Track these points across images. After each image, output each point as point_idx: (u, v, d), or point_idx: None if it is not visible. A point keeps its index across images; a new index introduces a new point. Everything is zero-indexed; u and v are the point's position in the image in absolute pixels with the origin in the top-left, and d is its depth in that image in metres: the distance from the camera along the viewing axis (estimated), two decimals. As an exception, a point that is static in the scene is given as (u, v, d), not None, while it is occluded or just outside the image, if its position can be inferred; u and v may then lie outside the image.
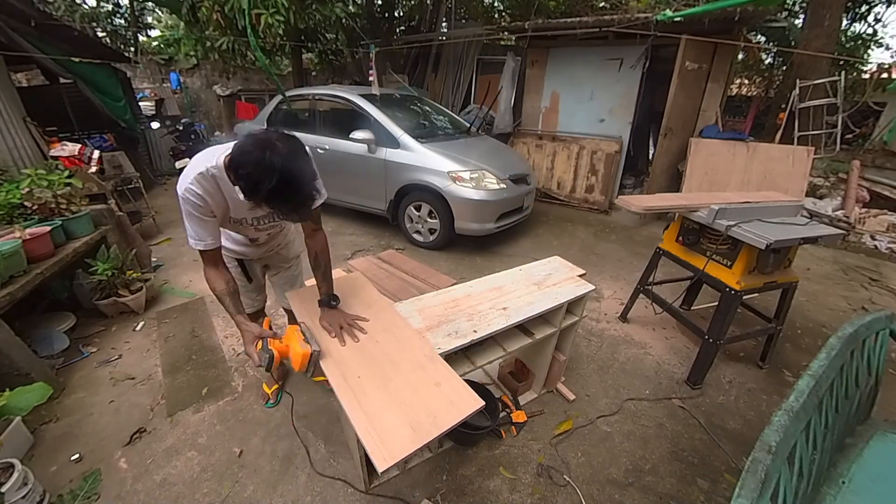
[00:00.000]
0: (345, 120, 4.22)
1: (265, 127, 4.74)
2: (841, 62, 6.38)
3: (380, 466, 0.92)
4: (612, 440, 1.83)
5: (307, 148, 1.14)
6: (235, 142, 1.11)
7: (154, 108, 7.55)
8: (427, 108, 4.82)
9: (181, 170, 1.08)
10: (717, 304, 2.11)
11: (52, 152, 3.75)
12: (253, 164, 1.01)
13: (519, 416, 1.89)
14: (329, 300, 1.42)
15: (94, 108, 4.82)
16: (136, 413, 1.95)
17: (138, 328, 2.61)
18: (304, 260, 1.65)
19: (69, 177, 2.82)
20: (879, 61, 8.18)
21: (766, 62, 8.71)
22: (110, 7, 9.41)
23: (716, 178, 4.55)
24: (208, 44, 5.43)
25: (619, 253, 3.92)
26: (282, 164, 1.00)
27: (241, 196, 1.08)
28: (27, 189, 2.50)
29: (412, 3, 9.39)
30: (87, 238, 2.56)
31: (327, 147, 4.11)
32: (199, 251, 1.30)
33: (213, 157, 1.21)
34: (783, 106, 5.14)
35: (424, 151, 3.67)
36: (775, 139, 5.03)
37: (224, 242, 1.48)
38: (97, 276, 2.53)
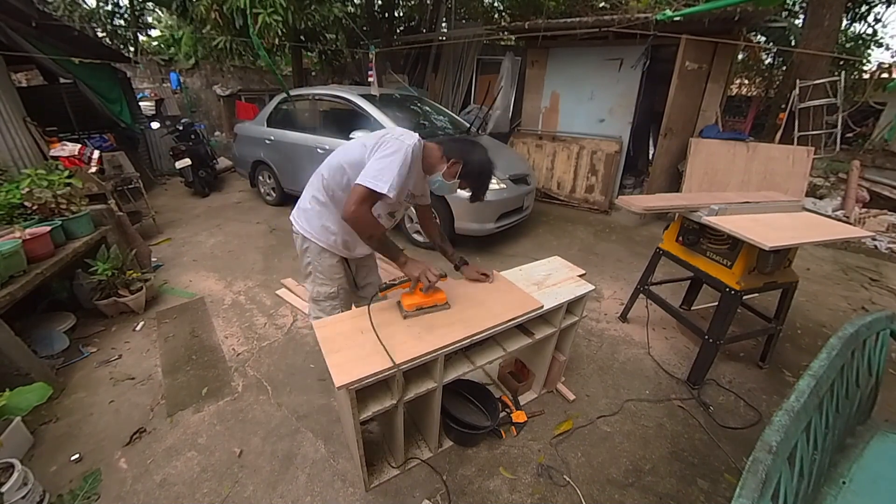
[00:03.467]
0: (345, 120, 4.22)
1: (265, 127, 4.76)
2: (841, 62, 6.38)
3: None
4: (612, 440, 1.83)
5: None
6: (449, 141, 1.55)
7: (154, 108, 7.56)
8: (427, 108, 4.82)
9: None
10: (717, 304, 2.11)
11: (52, 152, 3.75)
12: (479, 157, 1.48)
13: (519, 416, 1.89)
14: (465, 261, 1.80)
15: (94, 108, 4.83)
16: (136, 413, 1.95)
17: (138, 328, 2.61)
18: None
19: (69, 177, 2.82)
20: (879, 61, 8.18)
21: (766, 62, 8.71)
22: (110, 7, 9.40)
23: (716, 179, 4.55)
24: (205, 41, 5.44)
25: (619, 253, 3.92)
26: (492, 161, 1.53)
27: (451, 179, 1.49)
28: (27, 189, 2.50)
29: (412, 3, 9.40)
30: (87, 238, 2.56)
31: (327, 147, 4.10)
32: (377, 194, 1.31)
33: (415, 135, 1.46)
34: (783, 106, 5.13)
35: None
36: (775, 139, 5.03)
37: (338, 229, 1.59)
38: (97, 276, 2.53)
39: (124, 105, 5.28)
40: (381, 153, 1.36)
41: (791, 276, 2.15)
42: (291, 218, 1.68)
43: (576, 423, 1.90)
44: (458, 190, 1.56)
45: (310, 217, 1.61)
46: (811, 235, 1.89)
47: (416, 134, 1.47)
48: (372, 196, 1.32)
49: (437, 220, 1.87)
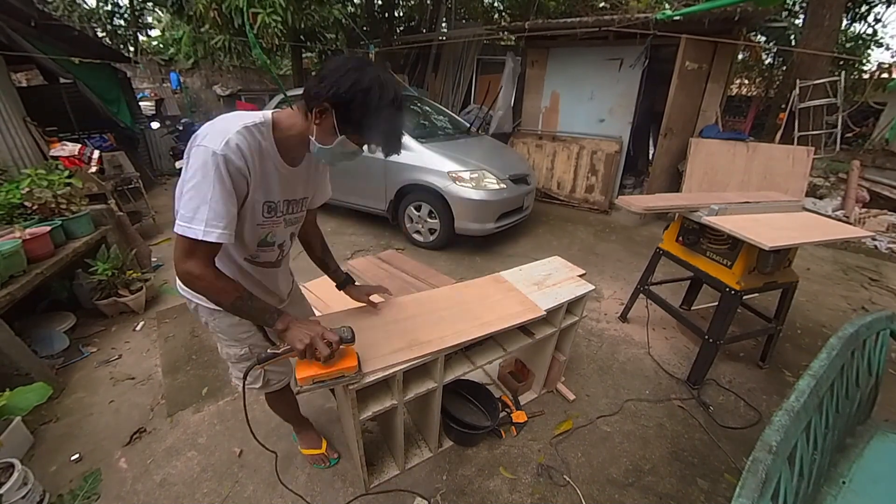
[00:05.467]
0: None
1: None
2: (841, 62, 6.38)
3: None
4: (612, 440, 1.83)
5: None
6: (305, 84, 1.00)
7: (154, 108, 7.57)
8: (427, 108, 4.82)
9: (181, 170, 0.99)
10: (717, 304, 2.11)
11: (52, 152, 3.75)
12: (365, 79, 0.90)
13: (519, 416, 1.89)
14: (351, 279, 1.48)
15: (93, 108, 4.83)
16: (136, 413, 1.95)
17: (138, 328, 2.61)
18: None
19: (69, 177, 2.82)
20: (879, 61, 8.18)
21: (767, 62, 8.71)
22: (110, 7, 9.40)
23: (716, 178, 4.55)
24: (204, 41, 5.43)
25: (619, 253, 3.92)
26: (391, 79, 0.96)
27: (329, 140, 0.97)
28: (27, 189, 2.50)
29: (412, 3, 9.40)
30: (87, 238, 2.56)
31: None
32: (202, 242, 0.90)
33: (248, 113, 0.98)
34: (783, 106, 5.14)
35: (424, 151, 3.67)
36: (775, 139, 5.04)
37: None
38: (97, 276, 2.53)
39: (123, 105, 5.28)
40: (185, 174, 0.90)
41: (791, 276, 2.15)
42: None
43: (576, 423, 1.90)
44: (360, 152, 1.04)
45: None
46: (811, 235, 1.89)
47: (245, 115, 0.97)
48: (195, 245, 0.91)
49: (319, 230, 1.46)
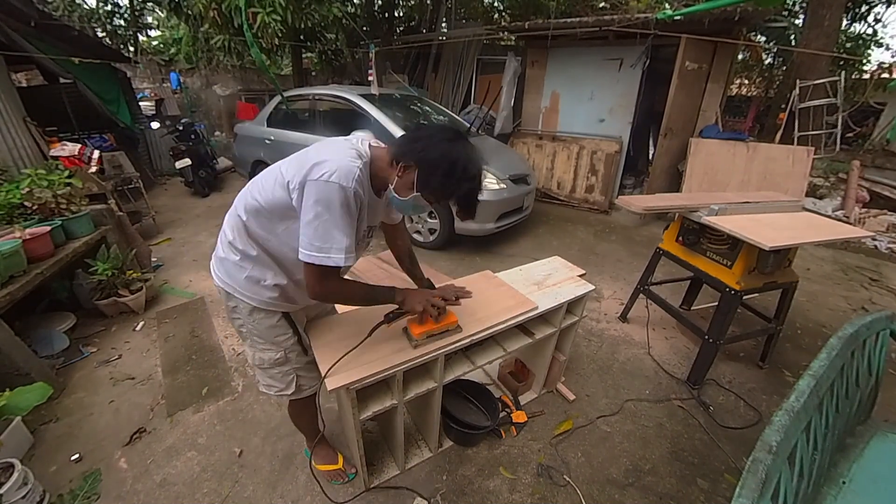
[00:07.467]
0: (345, 120, 4.22)
1: (265, 126, 4.76)
2: (841, 62, 6.38)
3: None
4: (612, 440, 1.83)
5: None
6: (399, 139, 1.13)
7: (154, 108, 7.57)
8: (427, 108, 4.82)
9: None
10: (717, 304, 2.11)
11: (52, 152, 3.75)
12: (451, 152, 1.02)
13: (519, 416, 1.89)
14: (431, 285, 1.54)
15: (93, 108, 4.83)
16: (136, 413, 1.95)
17: (138, 328, 2.61)
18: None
19: (69, 177, 2.82)
20: (879, 61, 8.18)
21: (767, 62, 8.71)
22: (110, 7, 9.39)
23: (716, 179, 4.55)
24: (202, 41, 5.43)
25: (619, 253, 3.92)
26: (477, 157, 1.07)
27: (406, 193, 1.09)
28: (27, 189, 2.50)
29: (412, 3, 9.39)
30: (87, 238, 2.56)
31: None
32: (332, 268, 1.02)
33: (355, 145, 1.09)
34: (783, 106, 5.14)
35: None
36: (775, 139, 5.04)
37: (277, 280, 1.18)
38: (97, 276, 2.53)
39: (123, 105, 5.28)
40: (315, 207, 0.98)
41: (791, 276, 2.15)
42: (211, 267, 1.27)
43: (576, 423, 1.90)
44: (428, 208, 1.21)
45: (230, 270, 1.18)
46: (811, 235, 1.89)
47: (355, 148, 1.07)
48: (331, 270, 1.04)
49: (408, 239, 1.57)
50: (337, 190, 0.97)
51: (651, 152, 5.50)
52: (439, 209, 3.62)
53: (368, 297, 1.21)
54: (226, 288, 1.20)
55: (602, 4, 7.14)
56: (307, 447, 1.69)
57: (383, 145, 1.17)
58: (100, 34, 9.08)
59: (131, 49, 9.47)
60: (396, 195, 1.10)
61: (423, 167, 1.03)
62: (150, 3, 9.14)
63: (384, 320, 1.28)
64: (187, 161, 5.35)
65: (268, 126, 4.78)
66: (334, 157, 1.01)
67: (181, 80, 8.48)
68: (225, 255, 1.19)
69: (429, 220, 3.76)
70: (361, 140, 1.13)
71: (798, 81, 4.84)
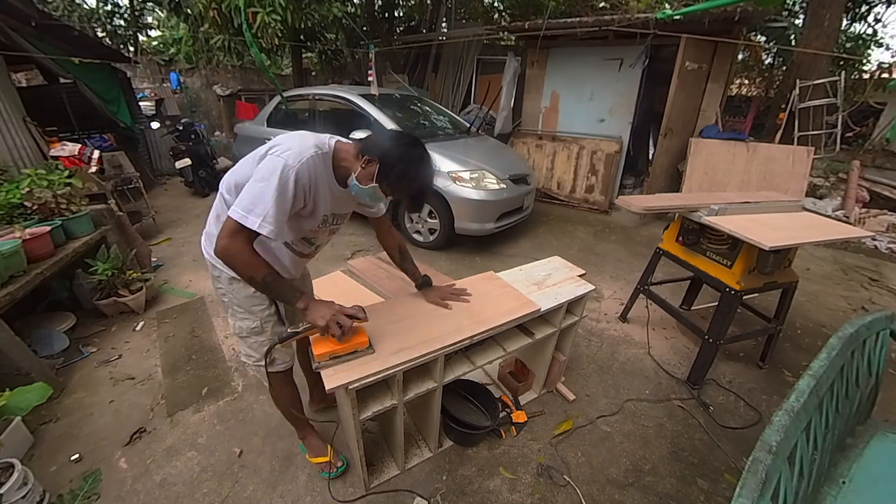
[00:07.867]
0: (345, 120, 4.22)
1: (265, 126, 4.76)
2: (841, 62, 6.38)
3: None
4: (612, 440, 1.83)
5: None
6: (368, 137, 1.29)
7: (154, 108, 7.56)
8: (427, 108, 4.82)
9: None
10: (717, 304, 2.11)
11: (52, 152, 3.75)
12: (403, 154, 1.17)
13: (519, 416, 1.89)
14: (428, 281, 1.61)
15: (93, 108, 4.83)
16: (136, 413, 1.95)
17: (138, 328, 2.61)
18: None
19: (69, 177, 2.82)
20: (879, 61, 8.18)
21: (767, 62, 8.71)
22: (110, 7, 9.40)
23: (716, 179, 4.55)
24: (201, 41, 5.43)
25: (619, 253, 3.92)
26: (430, 161, 1.22)
27: (366, 182, 1.19)
28: (27, 189, 2.50)
29: (412, 3, 9.40)
30: (87, 238, 2.56)
31: (327, 147, 4.10)
32: (249, 230, 1.07)
33: (319, 137, 1.21)
34: (783, 106, 5.14)
35: (424, 151, 3.66)
36: (775, 139, 5.03)
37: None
38: (97, 276, 2.53)
39: (122, 105, 5.28)
40: (258, 174, 1.09)
41: (791, 276, 2.15)
42: (201, 243, 1.43)
43: (576, 423, 1.90)
44: (383, 197, 1.27)
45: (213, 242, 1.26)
46: (811, 235, 1.89)
47: (317, 139, 1.19)
48: (244, 231, 1.08)
49: (399, 235, 1.63)
50: (281, 166, 1.08)
51: (651, 152, 5.50)
52: (440, 209, 3.62)
53: (269, 283, 1.16)
54: (210, 259, 1.34)
55: (602, 4, 7.14)
56: (299, 439, 1.72)
57: (350, 142, 1.29)
58: (100, 34, 9.09)
59: (131, 49, 9.48)
60: (357, 183, 1.21)
61: (384, 163, 1.16)
62: (150, 3, 9.14)
63: (277, 340, 1.26)
64: (187, 161, 5.35)
65: (268, 126, 4.78)
66: (293, 142, 1.14)
67: (181, 80, 8.49)
68: (211, 230, 1.35)
69: (429, 220, 3.76)
70: (330, 137, 1.25)
71: (798, 81, 4.84)
